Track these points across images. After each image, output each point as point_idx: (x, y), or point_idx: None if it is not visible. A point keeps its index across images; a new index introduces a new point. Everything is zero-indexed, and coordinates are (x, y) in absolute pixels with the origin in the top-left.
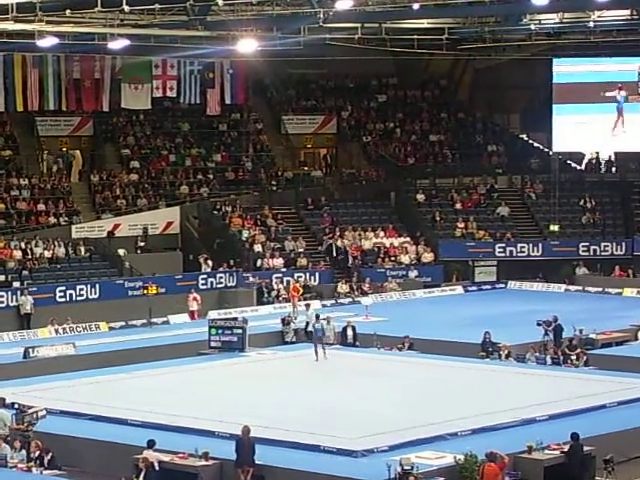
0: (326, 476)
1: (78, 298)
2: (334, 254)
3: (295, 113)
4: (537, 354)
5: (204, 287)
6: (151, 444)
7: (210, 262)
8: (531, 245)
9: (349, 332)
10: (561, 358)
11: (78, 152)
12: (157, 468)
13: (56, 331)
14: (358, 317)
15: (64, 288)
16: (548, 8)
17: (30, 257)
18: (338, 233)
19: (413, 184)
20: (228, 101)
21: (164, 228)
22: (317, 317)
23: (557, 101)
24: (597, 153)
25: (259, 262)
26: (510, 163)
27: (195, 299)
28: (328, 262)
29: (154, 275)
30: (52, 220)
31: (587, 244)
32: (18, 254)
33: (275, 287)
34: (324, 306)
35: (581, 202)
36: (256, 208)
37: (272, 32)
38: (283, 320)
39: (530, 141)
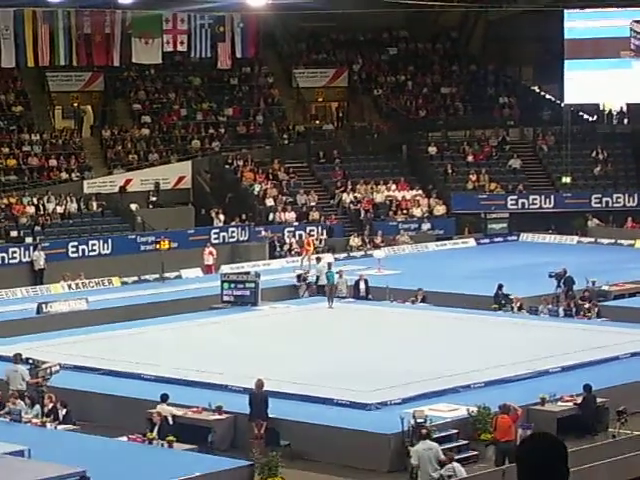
0: (339, 429)
1: (90, 253)
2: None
3: (306, 67)
4: (550, 306)
5: (216, 241)
6: (164, 398)
7: (222, 216)
8: (543, 197)
9: (362, 285)
10: (574, 310)
11: (89, 107)
12: (171, 422)
13: (69, 286)
14: (371, 270)
15: (76, 243)
16: None
17: (42, 213)
18: (350, 186)
19: (425, 137)
20: (239, 55)
21: (176, 183)
22: (329, 265)
23: (569, 56)
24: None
25: (271, 216)
26: (522, 115)
27: (211, 253)
28: (340, 215)
29: (166, 230)
30: (64, 176)
31: (599, 196)
32: (30, 210)
33: (287, 241)
34: (337, 260)
35: (593, 154)
36: (267, 162)
37: None
38: (299, 277)
39: (542, 93)
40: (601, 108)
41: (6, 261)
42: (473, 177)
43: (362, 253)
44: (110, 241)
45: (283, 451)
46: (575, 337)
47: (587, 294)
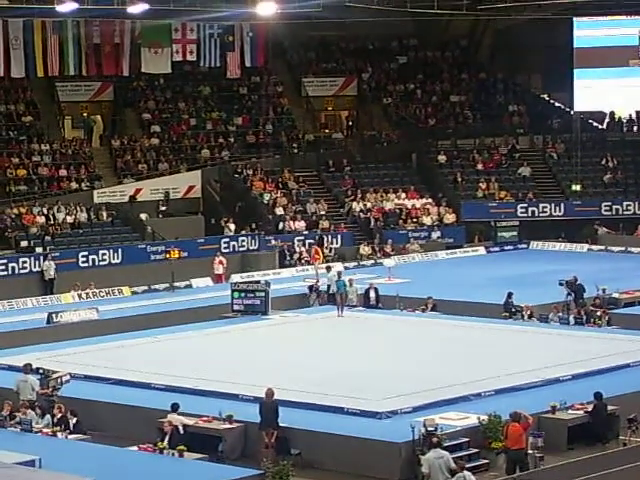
0: (350, 438)
1: (101, 263)
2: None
3: (315, 75)
4: (560, 314)
5: (226, 250)
6: (175, 408)
7: (232, 225)
8: (553, 205)
9: (372, 294)
10: (584, 318)
11: (99, 117)
12: (181, 431)
13: (79, 296)
14: (381, 279)
15: (87, 253)
16: None
17: (52, 222)
18: (360, 195)
19: (434, 145)
20: (248, 64)
21: (185, 192)
22: (339, 274)
23: (578, 65)
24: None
25: (281, 225)
26: (531, 123)
27: (221, 262)
28: (350, 224)
29: (176, 239)
30: (74, 185)
31: (609, 203)
32: (40, 220)
33: (297, 250)
34: (346, 268)
35: (603, 161)
36: (277, 171)
37: None
38: (311, 288)
39: (551, 101)
40: (611, 116)
41: (16, 271)
42: (483, 185)
43: (372, 262)
44: (120, 251)
45: (294, 460)
46: (586, 345)
47: (598, 302)
